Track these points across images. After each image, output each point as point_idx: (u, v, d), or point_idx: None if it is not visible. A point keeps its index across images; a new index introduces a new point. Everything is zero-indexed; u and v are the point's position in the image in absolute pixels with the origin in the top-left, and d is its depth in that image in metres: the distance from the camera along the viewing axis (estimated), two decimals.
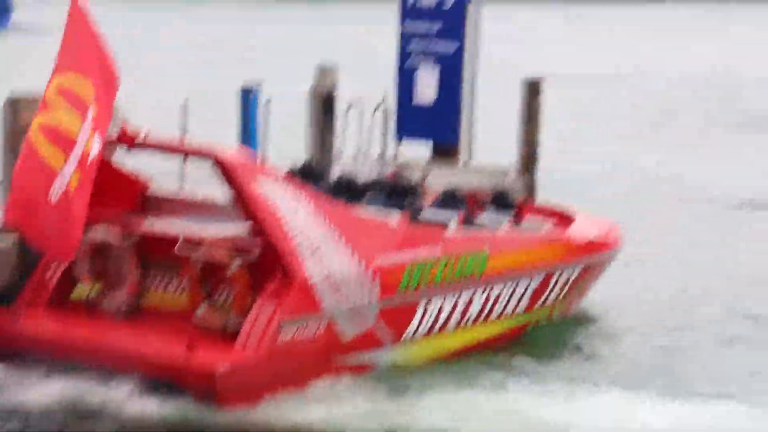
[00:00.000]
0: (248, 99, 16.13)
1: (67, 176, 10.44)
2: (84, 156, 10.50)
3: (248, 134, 16.10)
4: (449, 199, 13.20)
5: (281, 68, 37.18)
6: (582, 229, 14.07)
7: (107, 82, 10.83)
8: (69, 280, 11.75)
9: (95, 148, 10.58)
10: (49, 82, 10.70)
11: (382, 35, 33.88)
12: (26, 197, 10.57)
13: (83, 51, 10.77)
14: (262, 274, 10.95)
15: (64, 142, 10.50)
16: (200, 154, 11.13)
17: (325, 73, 17.94)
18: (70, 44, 10.78)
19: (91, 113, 10.60)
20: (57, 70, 10.70)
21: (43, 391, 10.88)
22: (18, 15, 54.38)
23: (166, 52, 49.11)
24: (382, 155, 17.65)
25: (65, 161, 10.45)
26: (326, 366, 11.17)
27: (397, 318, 11.76)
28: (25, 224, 10.72)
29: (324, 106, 16.69)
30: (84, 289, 11.72)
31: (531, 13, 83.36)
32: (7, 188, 11.45)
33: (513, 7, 79.23)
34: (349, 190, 13.19)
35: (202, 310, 11.17)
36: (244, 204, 10.89)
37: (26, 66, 36.01)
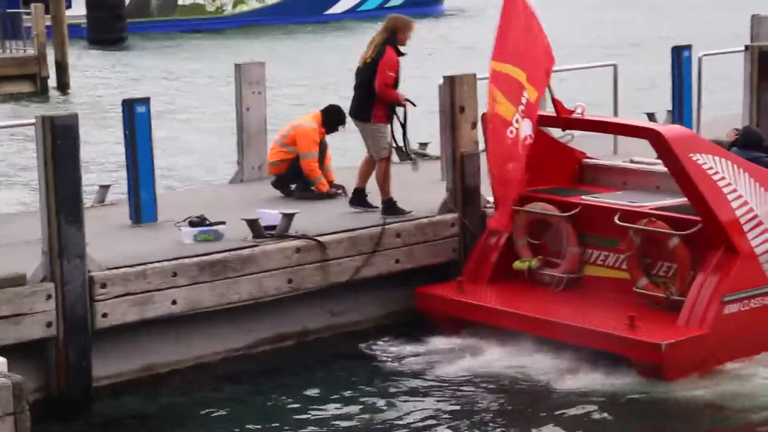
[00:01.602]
0: (681, 57, 15.84)
1: (503, 157, 11.07)
2: (514, 141, 10.96)
3: (681, 94, 15.83)
4: None
5: (711, 25, 36.16)
6: None
7: (541, 67, 11.11)
8: (510, 252, 12.02)
9: (525, 132, 11.02)
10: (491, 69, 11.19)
11: None
12: (497, 172, 11.26)
13: (517, 39, 11.08)
14: (702, 248, 10.80)
15: (503, 124, 11.05)
16: (635, 132, 11.08)
17: (760, 22, 17.34)
18: (506, 33, 11.10)
19: (524, 100, 10.94)
20: (494, 57, 11.08)
21: (490, 358, 11.23)
22: (448, 1, 56.06)
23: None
24: None
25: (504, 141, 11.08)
26: None
27: None
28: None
29: (761, 59, 16.10)
30: (524, 262, 11.95)
31: None
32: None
33: None
34: None
35: (642, 284, 11.15)
36: (682, 179, 10.75)
37: (456, 46, 37.11)
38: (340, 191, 13.16)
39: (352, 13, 54.10)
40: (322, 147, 13.33)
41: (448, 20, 51.50)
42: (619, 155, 14.03)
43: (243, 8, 52.83)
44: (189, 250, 11.22)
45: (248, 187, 13.93)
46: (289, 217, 11.68)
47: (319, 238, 11.62)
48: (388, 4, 55.43)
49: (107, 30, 44.49)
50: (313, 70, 34.10)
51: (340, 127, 13.35)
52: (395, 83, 12.28)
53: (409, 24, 12.41)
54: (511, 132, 11.06)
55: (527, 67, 11.19)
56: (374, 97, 12.27)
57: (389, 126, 12.39)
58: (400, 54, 12.33)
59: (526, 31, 11.28)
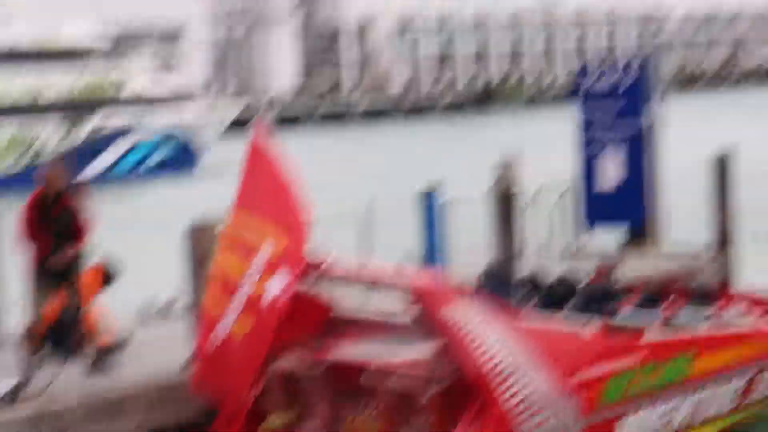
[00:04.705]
0: (428, 201, 15.86)
1: (229, 323, 10.56)
2: (252, 301, 10.40)
3: (429, 237, 15.82)
4: (647, 300, 12.63)
5: (460, 171, 36.75)
6: None
7: (293, 220, 10.71)
8: (259, 410, 11.53)
9: (274, 291, 10.47)
10: (227, 224, 10.74)
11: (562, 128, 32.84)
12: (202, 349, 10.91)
13: (263, 192, 10.69)
14: (457, 399, 10.54)
15: (227, 288, 10.64)
16: (387, 284, 10.85)
17: (506, 166, 17.57)
18: (249, 185, 10.74)
19: (263, 256, 10.49)
20: (234, 211, 10.71)
21: None
22: (203, 158, 55.68)
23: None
24: (568, 247, 17.20)
25: (227, 307, 10.62)
26: None
27: None
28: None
29: (505, 200, 16.29)
30: (276, 419, 11.48)
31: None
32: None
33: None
34: (538, 291, 12.77)
35: None
36: (435, 330, 10.54)
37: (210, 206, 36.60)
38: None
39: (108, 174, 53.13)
40: None
41: (205, 180, 51.12)
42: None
43: None
44: None
45: None
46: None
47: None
48: (144, 163, 54.81)
49: None
50: None
51: None
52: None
53: None
54: (241, 296, 10.60)
55: (276, 220, 10.77)
56: None
57: None
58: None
59: (273, 184, 10.89)
